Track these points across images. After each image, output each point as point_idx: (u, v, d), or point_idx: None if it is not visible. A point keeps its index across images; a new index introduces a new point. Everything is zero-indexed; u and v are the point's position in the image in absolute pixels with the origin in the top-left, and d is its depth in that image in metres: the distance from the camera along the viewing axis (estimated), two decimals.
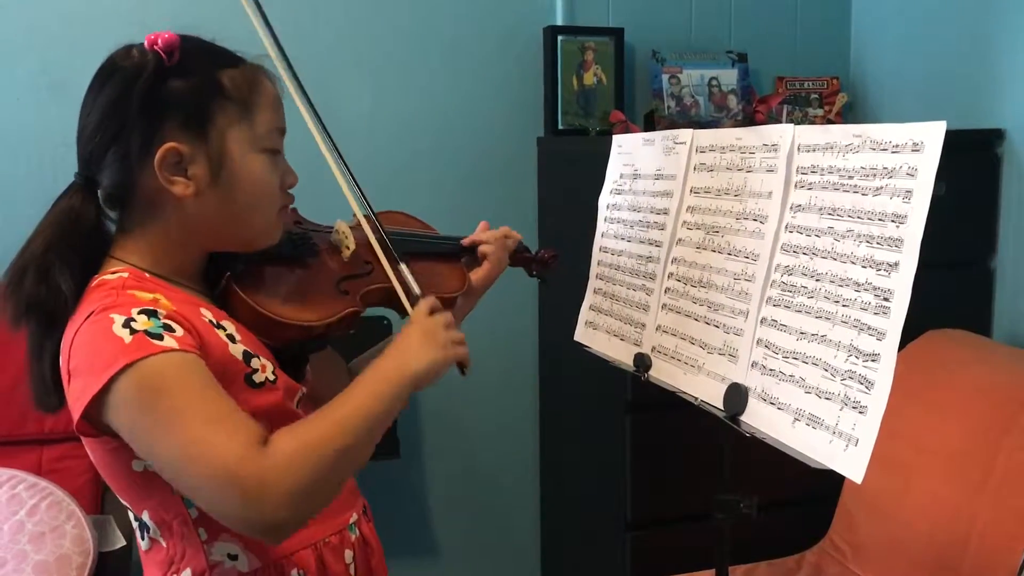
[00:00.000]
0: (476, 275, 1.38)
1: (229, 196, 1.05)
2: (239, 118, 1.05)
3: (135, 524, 1.09)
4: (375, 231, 1.22)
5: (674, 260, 1.36)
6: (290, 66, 1.13)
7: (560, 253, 1.52)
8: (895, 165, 1.01)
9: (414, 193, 2.32)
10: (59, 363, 1.01)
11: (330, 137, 1.18)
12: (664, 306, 1.36)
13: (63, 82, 2.08)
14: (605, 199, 1.57)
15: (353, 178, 1.21)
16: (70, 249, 1.02)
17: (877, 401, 0.98)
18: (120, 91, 1.02)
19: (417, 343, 1.08)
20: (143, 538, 1.09)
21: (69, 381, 0.98)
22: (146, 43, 1.03)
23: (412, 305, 1.16)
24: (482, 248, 1.39)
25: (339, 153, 1.19)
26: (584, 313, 1.58)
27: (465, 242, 1.39)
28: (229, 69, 1.06)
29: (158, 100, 1.01)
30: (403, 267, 1.20)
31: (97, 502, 2.00)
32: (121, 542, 1.88)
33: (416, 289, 1.19)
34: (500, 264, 1.40)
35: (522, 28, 2.41)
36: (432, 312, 1.13)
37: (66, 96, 2.07)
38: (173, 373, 0.94)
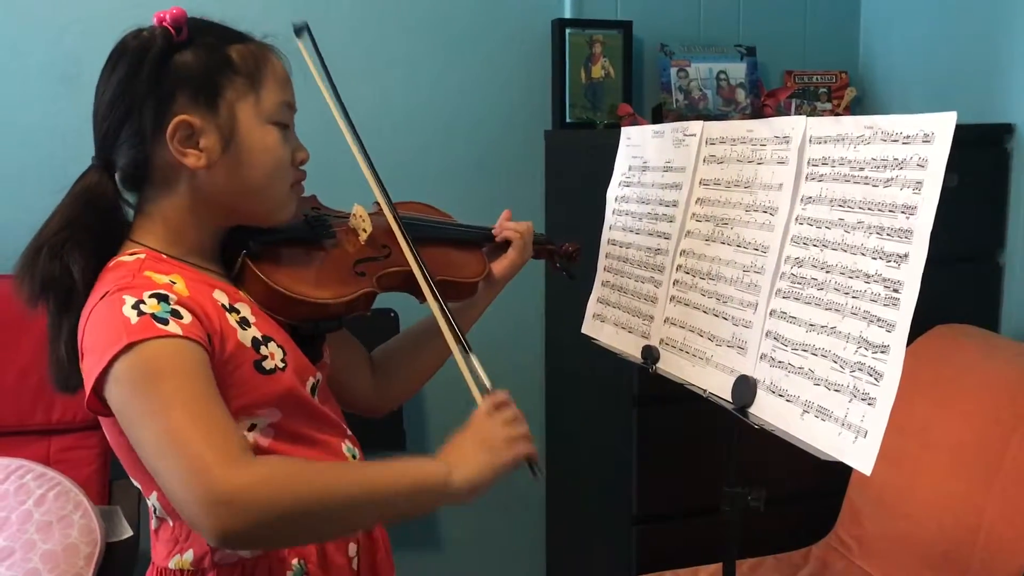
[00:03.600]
0: (501, 264, 1.39)
1: (240, 167, 1.07)
2: (247, 90, 1.07)
3: (148, 503, 1.10)
4: (402, 236, 1.21)
5: (683, 252, 1.35)
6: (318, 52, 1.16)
7: (583, 245, 1.51)
8: (906, 156, 1.01)
9: (422, 185, 2.30)
10: (75, 342, 1.02)
11: (352, 126, 1.19)
12: (672, 298, 1.36)
13: (74, 73, 2.08)
14: (613, 191, 1.57)
15: (374, 168, 1.21)
16: (84, 228, 1.04)
17: (886, 393, 0.97)
18: (131, 68, 1.04)
19: (469, 450, 1.05)
20: (152, 517, 1.10)
21: (83, 359, 1.00)
22: (155, 20, 1.05)
23: (481, 394, 1.11)
24: (507, 235, 1.40)
25: (362, 144, 1.21)
26: (592, 305, 1.57)
27: (494, 230, 1.41)
28: (237, 44, 1.08)
29: (168, 74, 1.03)
30: (473, 358, 1.14)
31: (105, 492, 2.01)
32: (128, 532, 1.89)
33: (487, 381, 1.12)
34: (525, 253, 1.42)
35: (530, 21, 2.40)
36: (496, 409, 1.09)
37: (77, 87, 2.07)
38: (168, 360, 0.94)
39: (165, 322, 0.95)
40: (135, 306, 0.96)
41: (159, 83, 1.03)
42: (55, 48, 2.11)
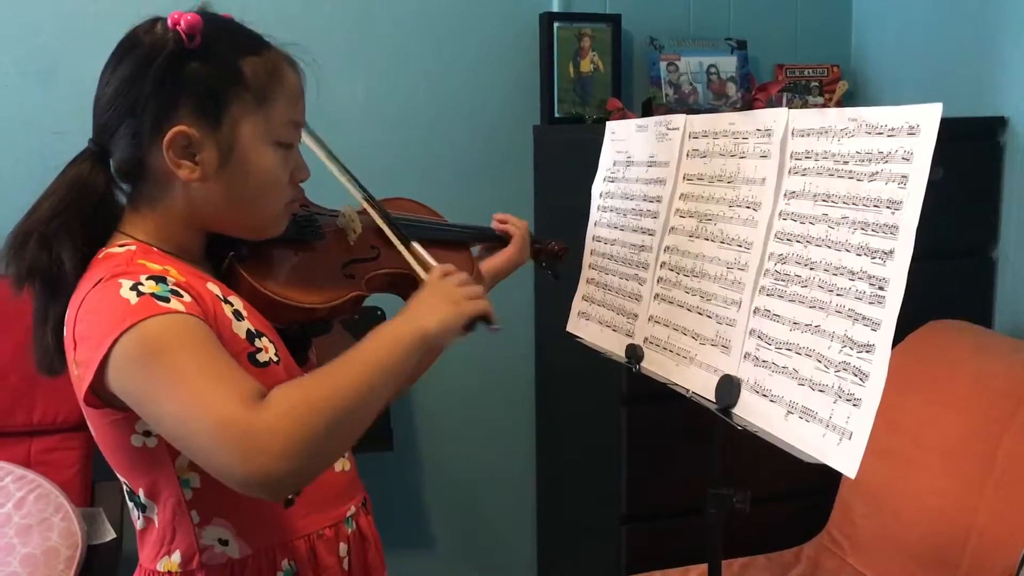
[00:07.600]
0: (499, 259, 1.42)
1: (235, 185, 1.04)
2: (254, 109, 1.03)
3: (131, 503, 1.08)
4: (381, 215, 1.21)
5: (667, 249, 1.33)
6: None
7: (570, 247, 1.50)
8: (891, 149, 0.98)
9: (409, 182, 2.28)
10: (62, 330, 1.00)
11: (314, 134, 1.17)
12: (656, 296, 1.33)
13: (50, 69, 2.05)
14: (598, 187, 1.54)
15: (344, 166, 1.20)
16: (76, 219, 1.02)
17: (872, 393, 0.95)
18: (137, 67, 1.00)
19: (429, 302, 1.06)
20: (138, 517, 1.08)
21: (75, 348, 0.97)
22: (169, 22, 1.01)
23: (426, 271, 1.15)
24: (507, 228, 1.44)
25: (326, 144, 1.19)
26: (577, 303, 1.55)
27: (495, 227, 1.44)
28: (251, 57, 1.04)
29: (173, 82, 1.00)
30: (415, 244, 1.19)
31: (87, 494, 1.99)
32: (111, 535, 1.87)
33: (431, 261, 1.17)
34: (523, 249, 1.45)
35: (518, 15, 2.37)
36: (445, 275, 1.11)
37: (53, 83, 2.06)
38: (175, 333, 0.93)
39: (166, 300, 0.94)
40: (133, 287, 0.94)
41: (163, 89, 1.00)
42: (30, 43, 2.07)
